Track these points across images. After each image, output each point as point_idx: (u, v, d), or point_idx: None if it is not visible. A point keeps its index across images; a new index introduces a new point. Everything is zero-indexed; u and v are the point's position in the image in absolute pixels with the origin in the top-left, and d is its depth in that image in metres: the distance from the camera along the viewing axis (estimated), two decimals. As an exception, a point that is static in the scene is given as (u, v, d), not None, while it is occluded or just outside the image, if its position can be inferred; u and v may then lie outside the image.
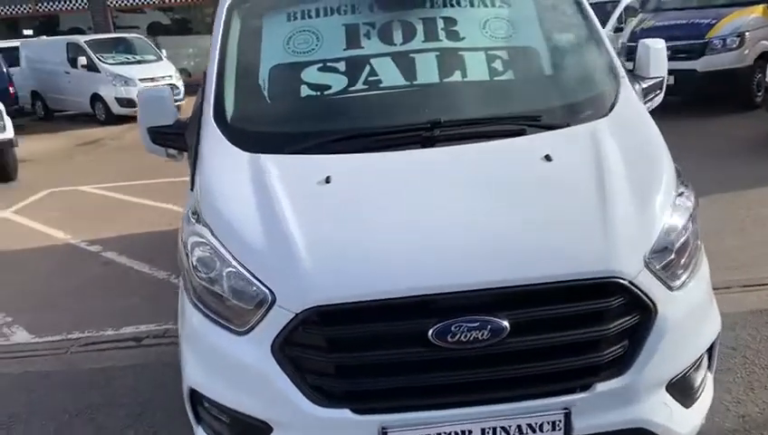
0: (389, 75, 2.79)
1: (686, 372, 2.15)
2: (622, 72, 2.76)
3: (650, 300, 2.00)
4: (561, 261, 1.97)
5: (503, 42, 2.93)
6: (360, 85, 2.78)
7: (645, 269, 2.02)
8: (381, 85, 2.79)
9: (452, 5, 3.04)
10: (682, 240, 2.19)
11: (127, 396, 3.37)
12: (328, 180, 2.26)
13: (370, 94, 2.76)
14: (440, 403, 1.96)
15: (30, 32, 23.82)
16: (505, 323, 1.90)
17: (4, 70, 13.99)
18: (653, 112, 2.91)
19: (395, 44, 2.89)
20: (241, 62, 2.94)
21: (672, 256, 2.15)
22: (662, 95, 3.10)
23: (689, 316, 2.13)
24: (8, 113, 9.37)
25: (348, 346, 1.95)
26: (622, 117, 2.56)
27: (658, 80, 3.04)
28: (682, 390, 2.15)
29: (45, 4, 23.72)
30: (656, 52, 3.05)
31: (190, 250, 2.22)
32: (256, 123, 2.75)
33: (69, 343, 4.17)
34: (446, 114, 2.56)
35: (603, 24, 13.19)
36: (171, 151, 3.01)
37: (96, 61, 14.84)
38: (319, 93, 2.81)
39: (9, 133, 9.12)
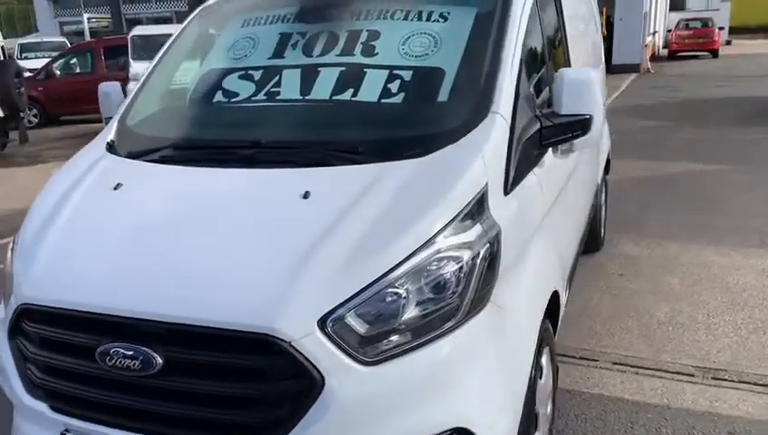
0: (289, 88, 2.76)
1: None
2: (497, 108, 2.32)
3: (315, 368, 1.77)
4: (222, 307, 1.84)
5: (414, 61, 2.67)
6: (261, 96, 2.78)
7: (318, 333, 1.79)
8: (278, 98, 2.76)
9: (384, 18, 2.87)
10: (422, 311, 1.88)
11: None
12: (116, 187, 2.38)
13: (251, 106, 2.75)
14: (111, 422, 1.99)
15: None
16: (159, 359, 1.86)
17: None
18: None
19: (312, 56, 2.84)
20: (180, 64, 3.16)
21: (395, 326, 1.85)
22: (590, 136, 2.52)
23: (392, 394, 1.84)
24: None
25: (45, 346, 2.08)
26: (442, 160, 2.17)
27: (577, 119, 2.47)
28: None
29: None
30: (576, 85, 2.47)
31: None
32: (148, 125, 2.92)
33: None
34: (283, 135, 2.51)
35: None
36: None
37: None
38: (226, 100, 2.87)
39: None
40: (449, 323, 1.90)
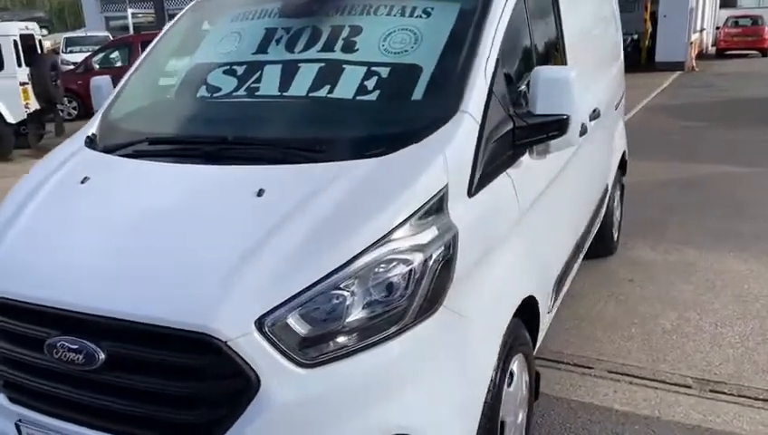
0: (268, 84, 2.72)
1: None
2: (465, 107, 2.24)
3: (251, 369, 1.74)
4: (160, 304, 1.82)
5: (393, 57, 2.60)
6: (241, 91, 2.75)
7: (255, 333, 1.75)
8: (257, 94, 2.73)
9: (368, 13, 2.81)
10: (369, 313, 1.83)
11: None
12: (83, 181, 2.38)
13: (228, 102, 2.71)
14: (60, 414, 2.00)
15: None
16: (101, 354, 1.86)
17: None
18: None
19: (294, 52, 2.81)
20: (168, 59, 3.16)
21: (338, 327, 1.81)
22: (569, 138, 2.42)
23: (333, 397, 1.81)
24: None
25: (2, 337, 2.10)
26: (402, 159, 2.11)
27: (552, 119, 2.36)
28: None
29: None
30: (551, 84, 2.35)
31: None
32: (128, 120, 2.90)
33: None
34: (251, 132, 2.49)
35: None
36: None
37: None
38: (209, 95, 2.84)
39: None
40: (396, 327, 1.85)
